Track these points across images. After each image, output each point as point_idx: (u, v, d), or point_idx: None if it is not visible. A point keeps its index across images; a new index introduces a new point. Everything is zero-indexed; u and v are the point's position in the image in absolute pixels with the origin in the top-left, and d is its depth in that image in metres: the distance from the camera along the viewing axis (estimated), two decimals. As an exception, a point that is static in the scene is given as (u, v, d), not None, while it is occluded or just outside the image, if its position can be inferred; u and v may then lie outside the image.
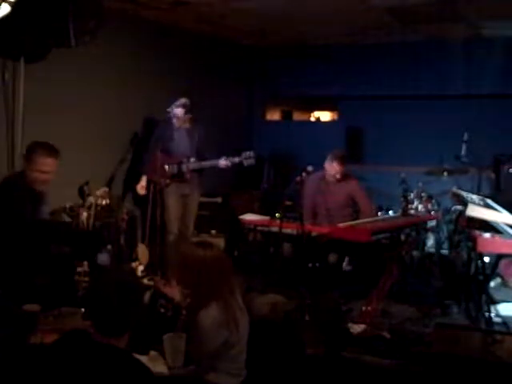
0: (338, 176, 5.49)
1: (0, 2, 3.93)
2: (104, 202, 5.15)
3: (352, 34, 7.04)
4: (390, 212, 5.99)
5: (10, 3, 3.96)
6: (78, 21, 4.45)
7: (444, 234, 5.86)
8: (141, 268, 5.28)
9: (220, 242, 6.09)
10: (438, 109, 7.28)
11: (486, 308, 4.34)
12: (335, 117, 8.82)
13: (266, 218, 5.23)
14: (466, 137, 5.92)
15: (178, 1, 5.60)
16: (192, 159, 5.49)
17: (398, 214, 5.71)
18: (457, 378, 3.18)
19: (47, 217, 4.41)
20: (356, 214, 5.53)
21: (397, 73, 7.47)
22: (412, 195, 5.91)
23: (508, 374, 3.09)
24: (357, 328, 4.13)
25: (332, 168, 5.48)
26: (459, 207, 5.48)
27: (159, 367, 2.76)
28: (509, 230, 4.23)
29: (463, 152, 5.88)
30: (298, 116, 9.41)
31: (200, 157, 5.53)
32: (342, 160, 5.48)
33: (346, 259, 5.39)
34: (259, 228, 5.33)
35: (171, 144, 5.46)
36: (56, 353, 2.06)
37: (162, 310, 3.29)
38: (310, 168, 4.92)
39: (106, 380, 1.97)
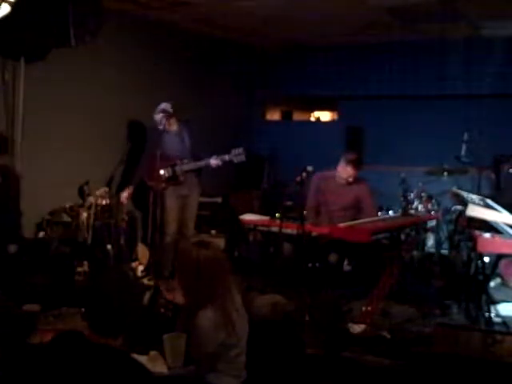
0: (350, 180, 5.37)
1: (0, 2, 3.93)
2: (104, 202, 5.15)
3: (352, 33, 7.04)
4: (390, 212, 5.98)
5: (9, 3, 3.97)
6: (77, 21, 4.46)
7: (444, 233, 5.86)
8: (141, 268, 5.29)
9: (220, 242, 6.08)
10: (438, 109, 7.28)
11: (486, 308, 4.33)
12: (335, 117, 8.82)
13: (266, 218, 5.23)
14: (465, 137, 5.91)
15: (178, 1, 5.60)
16: (185, 160, 5.48)
17: (398, 214, 5.70)
18: (457, 378, 3.18)
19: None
20: (357, 215, 5.50)
21: (397, 73, 7.47)
22: (412, 195, 5.90)
23: (508, 374, 3.10)
24: (357, 328, 4.13)
25: (345, 172, 5.34)
26: (459, 207, 5.48)
27: (159, 367, 2.76)
28: (509, 229, 4.23)
29: (463, 152, 5.88)
30: (297, 116, 9.41)
31: (195, 157, 5.52)
32: (357, 164, 5.35)
33: (346, 259, 5.38)
34: (259, 228, 5.33)
35: (163, 148, 5.40)
36: (49, 354, 2.05)
37: (162, 310, 3.30)
38: (309, 168, 4.91)
39: (99, 381, 1.97)
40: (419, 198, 5.92)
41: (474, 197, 4.51)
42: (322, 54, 7.90)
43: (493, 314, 4.31)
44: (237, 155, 5.40)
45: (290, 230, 4.84)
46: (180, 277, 2.93)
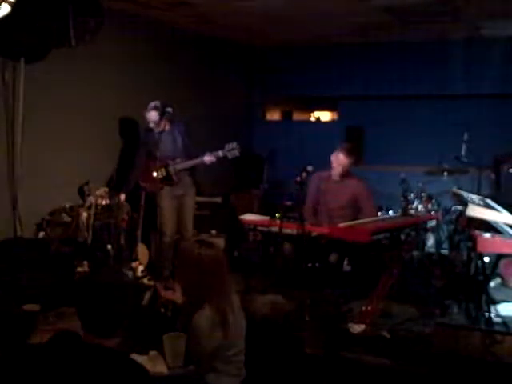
0: (341, 170, 5.29)
1: (0, 2, 3.93)
2: (104, 202, 5.15)
3: (352, 33, 7.05)
4: (390, 212, 5.98)
5: (10, 3, 3.96)
6: (77, 21, 4.46)
7: (444, 233, 5.85)
8: (141, 268, 5.28)
9: (220, 242, 6.08)
10: (438, 109, 7.29)
11: (486, 308, 4.34)
12: (335, 117, 8.82)
13: (266, 218, 5.22)
14: (465, 137, 5.91)
15: (178, 1, 5.60)
16: (178, 160, 5.46)
17: (398, 213, 5.70)
18: (457, 378, 3.18)
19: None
20: (357, 215, 5.50)
21: (397, 73, 7.48)
22: (412, 195, 5.90)
23: (508, 373, 3.10)
24: (357, 328, 4.13)
25: (336, 159, 5.28)
26: (459, 207, 5.48)
27: (159, 367, 2.76)
28: (509, 229, 4.22)
29: (463, 152, 5.87)
30: (297, 116, 9.41)
31: (188, 156, 5.50)
32: (349, 152, 5.28)
33: (346, 259, 5.38)
34: (259, 228, 5.32)
35: (156, 149, 5.37)
36: (44, 355, 2.05)
37: (162, 310, 3.30)
38: (309, 168, 4.91)
39: (94, 381, 1.97)
40: (419, 198, 5.92)
41: (474, 197, 4.51)
42: (322, 54, 7.91)
43: (493, 314, 4.31)
44: (231, 150, 5.35)
45: (290, 229, 4.84)
46: (181, 275, 2.93)
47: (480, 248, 4.31)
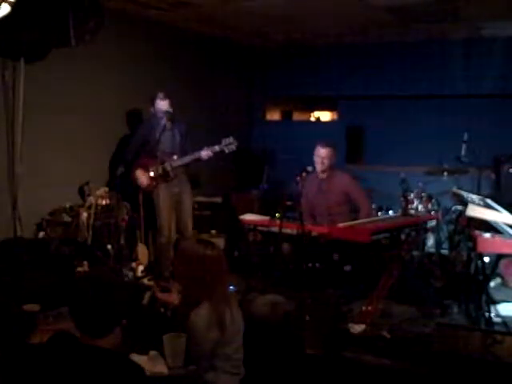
0: (324, 164, 5.34)
1: (0, 2, 3.93)
2: (104, 202, 5.16)
3: (352, 33, 7.05)
4: (390, 212, 5.98)
5: (10, 3, 3.96)
6: (78, 21, 4.45)
7: (444, 233, 5.85)
8: (141, 268, 5.28)
9: (220, 242, 6.08)
10: (438, 109, 7.28)
11: (486, 308, 4.33)
12: (335, 117, 8.82)
13: (266, 218, 5.23)
14: (465, 137, 5.91)
15: (179, 1, 5.60)
16: (174, 156, 5.46)
17: (398, 213, 5.70)
18: (457, 378, 3.18)
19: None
20: (355, 212, 5.51)
21: (397, 73, 7.48)
22: (412, 195, 5.90)
23: (508, 373, 3.09)
24: (357, 328, 4.13)
25: (317, 153, 5.35)
26: (459, 207, 5.47)
27: (159, 367, 2.77)
28: (509, 229, 4.22)
29: (463, 152, 5.87)
30: (297, 116, 9.41)
31: (184, 155, 5.49)
32: (326, 144, 5.36)
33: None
34: (259, 228, 5.32)
35: (155, 144, 5.36)
36: (41, 356, 2.05)
37: (162, 310, 3.30)
38: (309, 168, 4.92)
39: (90, 382, 1.97)
40: (419, 198, 5.92)
41: (474, 197, 4.51)
42: (321, 53, 7.90)
43: (493, 314, 4.31)
44: (228, 145, 5.35)
45: (290, 229, 4.84)
46: (181, 274, 2.93)
47: (480, 248, 4.31)
